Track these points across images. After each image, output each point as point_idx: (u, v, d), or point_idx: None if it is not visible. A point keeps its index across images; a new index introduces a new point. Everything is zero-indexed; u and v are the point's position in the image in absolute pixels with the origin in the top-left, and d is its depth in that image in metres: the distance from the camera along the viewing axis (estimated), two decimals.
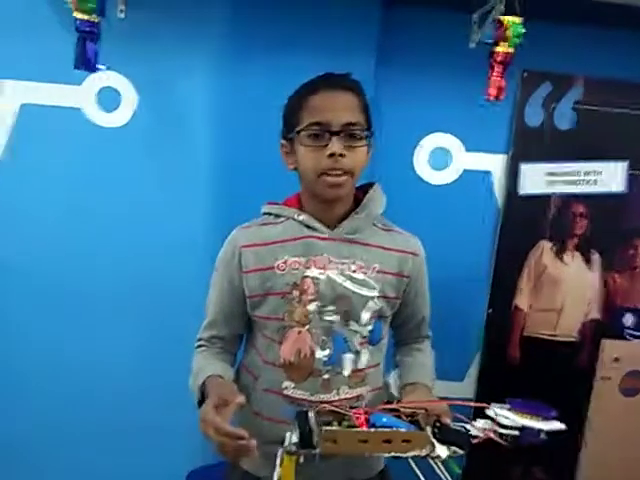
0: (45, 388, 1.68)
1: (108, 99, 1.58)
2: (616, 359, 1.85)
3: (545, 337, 1.83)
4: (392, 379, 1.19)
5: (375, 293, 1.10)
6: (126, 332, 1.68)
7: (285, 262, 1.08)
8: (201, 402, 1.02)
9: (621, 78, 1.71)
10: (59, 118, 1.58)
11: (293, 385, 1.10)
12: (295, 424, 0.87)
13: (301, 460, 0.86)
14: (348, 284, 1.08)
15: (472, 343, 1.84)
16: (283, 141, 1.12)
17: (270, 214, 1.15)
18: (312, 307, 1.08)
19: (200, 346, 1.18)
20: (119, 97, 1.58)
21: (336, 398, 1.09)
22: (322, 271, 1.08)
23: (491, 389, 1.83)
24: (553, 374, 1.84)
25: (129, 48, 1.55)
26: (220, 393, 0.97)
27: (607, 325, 1.84)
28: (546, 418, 0.94)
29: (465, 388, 1.84)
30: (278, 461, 0.86)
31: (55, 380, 1.68)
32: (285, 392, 1.10)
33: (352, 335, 1.10)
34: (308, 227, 1.10)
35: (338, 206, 1.11)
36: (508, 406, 0.96)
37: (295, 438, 0.86)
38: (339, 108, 1.04)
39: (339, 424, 0.87)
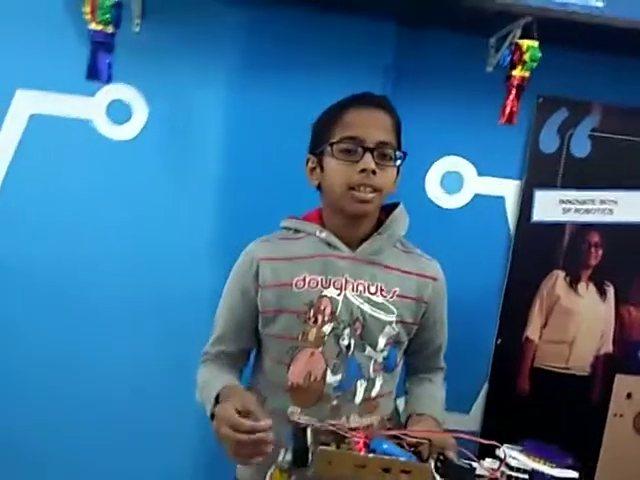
0: (44, 393, 1.65)
1: (119, 111, 1.57)
2: (629, 395, 1.79)
3: (556, 370, 1.78)
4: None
5: (393, 318, 1.07)
6: (134, 342, 1.65)
7: (304, 280, 1.06)
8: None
9: (638, 105, 1.68)
10: (69, 129, 1.57)
11: (299, 410, 1.06)
12: (291, 440, 0.83)
13: (292, 479, 0.82)
14: (366, 307, 1.05)
15: (480, 374, 1.79)
16: (310, 156, 1.11)
17: (290, 229, 1.13)
18: (327, 328, 1.04)
19: (206, 359, 1.15)
20: (130, 110, 1.58)
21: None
22: (340, 292, 1.05)
23: (498, 422, 1.77)
24: (564, 409, 1.78)
25: (142, 61, 1.54)
26: (244, 402, 0.93)
27: (621, 359, 1.79)
28: (559, 465, 0.89)
29: (471, 420, 1.79)
30: (268, 476, 0.82)
31: (55, 386, 1.65)
32: (291, 417, 1.06)
33: (367, 361, 1.06)
34: (329, 245, 1.08)
35: (361, 225, 1.09)
36: (520, 448, 0.91)
37: (289, 455, 0.82)
38: (374, 125, 1.04)
39: (337, 446, 0.82)
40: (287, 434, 0.96)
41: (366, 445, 0.83)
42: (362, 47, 1.56)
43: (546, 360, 1.78)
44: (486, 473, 0.87)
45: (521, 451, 0.91)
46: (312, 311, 1.04)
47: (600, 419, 1.80)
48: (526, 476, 0.89)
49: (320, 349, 1.05)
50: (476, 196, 1.71)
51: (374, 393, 1.07)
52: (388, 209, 1.14)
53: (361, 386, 1.06)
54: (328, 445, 0.81)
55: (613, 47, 1.60)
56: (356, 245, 1.08)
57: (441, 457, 0.85)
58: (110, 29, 1.24)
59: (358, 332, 1.05)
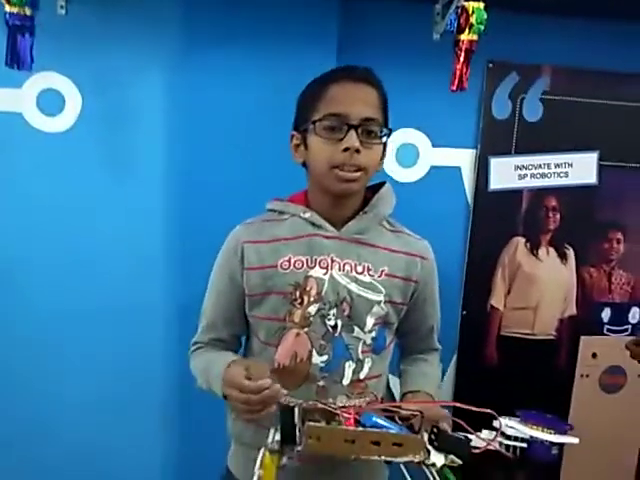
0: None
1: (50, 102, 1.49)
2: (594, 355, 1.81)
3: (522, 336, 1.79)
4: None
5: (381, 297, 1.05)
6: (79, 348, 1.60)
7: (289, 260, 1.03)
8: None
9: (589, 66, 1.68)
10: None
11: (285, 392, 1.02)
12: (278, 419, 0.82)
13: (283, 461, 0.81)
14: (353, 286, 1.03)
15: (448, 345, 1.76)
16: (294, 132, 1.07)
17: (274, 211, 1.10)
18: (313, 309, 1.03)
19: (199, 347, 1.13)
20: (62, 100, 1.49)
21: None
22: (326, 271, 1.03)
23: (469, 392, 1.78)
24: (532, 373, 1.80)
25: (71, 46, 1.47)
26: (255, 368, 0.92)
27: (585, 321, 1.81)
28: (559, 432, 0.88)
29: (443, 392, 1.78)
30: (258, 461, 0.80)
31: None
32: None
33: (355, 342, 1.05)
34: (314, 225, 1.05)
35: (347, 204, 1.06)
36: (518, 418, 0.89)
37: (278, 436, 0.81)
38: (360, 101, 0.99)
39: (327, 423, 0.82)
40: (275, 415, 0.94)
41: (356, 421, 0.82)
42: (305, 19, 1.51)
43: (512, 327, 1.79)
44: (482, 444, 0.85)
45: (518, 421, 0.90)
46: (298, 292, 1.03)
47: (568, 381, 1.83)
48: (524, 444, 0.88)
49: (305, 330, 1.03)
50: (432, 168, 1.69)
51: (362, 375, 1.06)
52: (374, 188, 1.12)
53: (349, 367, 1.04)
54: (317, 422, 0.81)
55: (560, 8, 1.58)
56: (342, 224, 1.06)
57: (435, 429, 0.84)
58: (27, 11, 1.14)
59: (346, 312, 1.03)
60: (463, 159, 1.70)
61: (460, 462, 0.82)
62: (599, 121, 1.71)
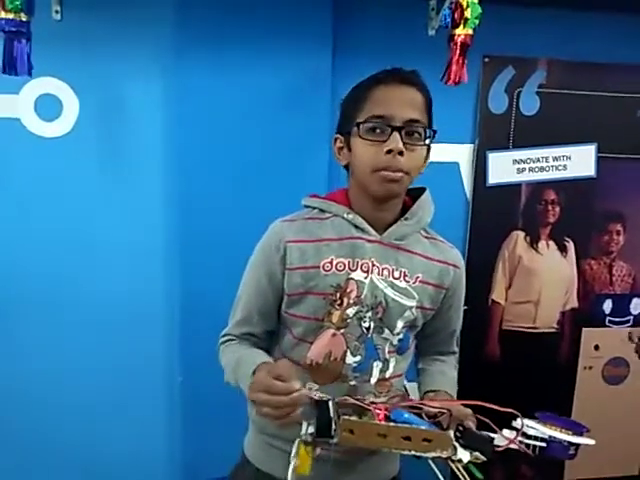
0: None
1: (48, 107, 1.49)
2: (596, 347, 1.82)
3: (524, 330, 1.79)
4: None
5: (414, 303, 1.06)
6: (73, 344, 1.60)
7: (331, 262, 1.03)
8: None
9: (585, 59, 1.68)
10: None
11: (317, 387, 1.03)
12: (313, 413, 0.85)
13: (317, 452, 0.85)
14: (389, 291, 1.04)
15: None
16: (337, 135, 1.07)
17: (314, 208, 1.10)
18: (352, 311, 1.03)
19: (230, 340, 1.12)
20: (59, 105, 1.49)
21: None
22: (367, 275, 1.03)
23: (472, 386, 1.76)
24: (535, 367, 1.80)
25: (67, 51, 1.47)
26: (276, 367, 0.92)
27: (586, 313, 1.81)
28: (577, 433, 0.89)
29: None
30: (294, 451, 0.84)
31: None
32: (309, 393, 1.03)
33: (383, 343, 1.06)
34: (357, 228, 1.05)
35: (388, 208, 1.06)
36: (537, 420, 0.91)
37: (312, 428, 0.84)
38: (404, 103, 0.99)
39: (359, 417, 0.85)
40: (307, 409, 0.95)
41: (387, 417, 0.84)
42: (299, 17, 1.50)
43: (514, 321, 1.79)
44: (504, 442, 0.88)
45: (537, 421, 0.91)
46: (338, 294, 1.03)
47: (570, 373, 1.83)
48: (544, 444, 0.89)
49: (342, 331, 1.04)
50: (430, 164, 1.68)
51: (388, 374, 1.07)
52: (413, 194, 1.12)
53: (376, 367, 1.06)
54: (350, 415, 0.83)
55: (555, 1, 1.58)
56: (382, 229, 1.06)
57: (460, 427, 0.86)
58: (23, 17, 1.14)
59: (379, 315, 1.04)
60: (461, 154, 1.70)
61: (484, 459, 0.85)
62: (596, 113, 1.71)
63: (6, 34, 1.16)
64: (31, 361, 1.59)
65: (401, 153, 0.97)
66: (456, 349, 1.23)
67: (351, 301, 1.03)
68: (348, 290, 1.03)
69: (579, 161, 1.72)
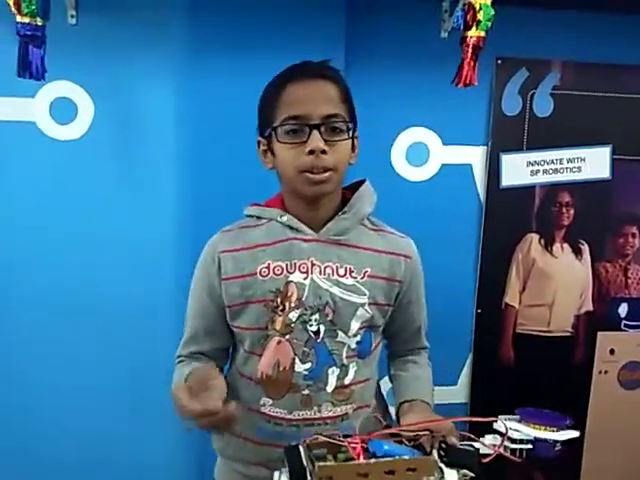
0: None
1: (63, 111, 1.50)
2: (612, 351, 1.79)
3: (538, 333, 1.77)
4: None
5: (365, 300, 1.01)
6: (85, 349, 1.60)
7: (268, 267, 1.00)
8: None
9: (599, 60, 1.67)
10: (12, 134, 1.49)
11: (271, 402, 1.01)
12: (284, 462, 0.77)
13: None
14: (335, 290, 0.99)
15: (463, 345, 1.77)
16: (260, 138, 1.04)
17: (252, 217, 1.07)
18: (294, 315, 0.99)
19: (180, 362, 1.10)
20: (74, 108, 1.50)
21: (317, 416, 1.00)
22: (306, 276, 0.99)
23: (486, 391, 1.77)
24: (549, 371, 1.78)
25: (82, 55, 1.47)
26: (198, 375, 0.90)
27: (601, 317, 1.79)
28: (560, 427, 0.86)
29: (459, 392, 1.78)
30: None
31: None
32: (262, 409, 1.02)
33: (339, 347, 1.01)
34: (291, 229, 1.01)
35: (323, 206, 1.02)
36: (518, 417, 0.87)
37: (285, 478, 0.76)
38: (318, 99, 0.95)
39: (334, 457, 0.77)
40: (263, 431, 0.94)
41: (364, 449, 0.77)
42: (311, 19, 1.50)
43: (528, 325, 1.77)
44: (490, 451, 0.82)
45: (519, 421, 0.88)
46: (279, 299, 0.99)
47: (586, 378, 1.81)
48: (530, 446, 0.86)
49: (287, 337, 0.99)
50: (443, 166, 1.68)
51: (347, 381, 1.02)
52: (354, 187, 1.08)
53: (332, 374, 1.01)
54: (324, 458, 0.76)
55: (568, 2, 1.57)
56: (320, 227, 1.02)
57: (443, 444, 0.81)
58: (39, 21, 1.16)
59: (329, 317, 0.99)
60: (474, 156, 1.69)
61: (472, 475, 0.79)
62: (611, 115, 1.69)
63: (22, 38, 1.17)
64: (47, 360, 1.59)
65: (324, 152, 0.93)
66: (426, 343, 1.18)
67: (292, 305, 0.99)
68: (288, 294, 0.99)
69: (594, 163, 1.71)
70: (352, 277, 1.00)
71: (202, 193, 1.53)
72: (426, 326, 1.17)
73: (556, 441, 0.86)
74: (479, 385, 1.78)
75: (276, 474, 0.79)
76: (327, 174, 0.95)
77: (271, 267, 0.99)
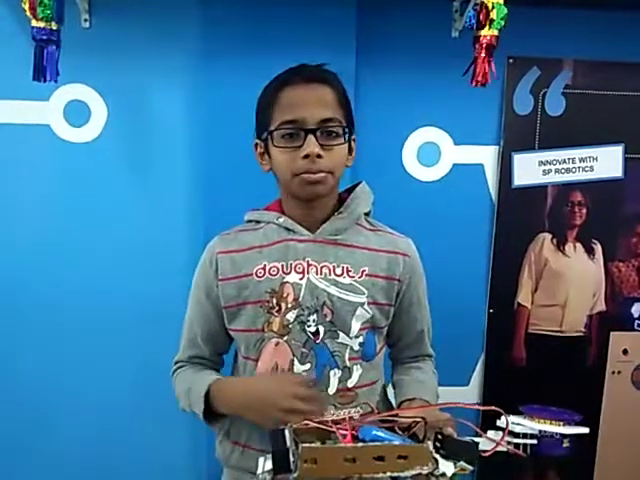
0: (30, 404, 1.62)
1: (76, 113, 1.52)
2: (625, 351, 1.78)
3: (551, 333, 1.76)
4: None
5: (363, 299, 1.00)
6: (105, 352, 1.62)
7: (263, 268, 1.00)
8: (207, 411, 0.98)
9: (611, 59, 1.65)
10: (27, 137, 1.52)
11: None
12: (269, 444, 0.74)
13: None
14: (332, 290, 0.99)
15: (475, 345, 1.77)
16: (257, 141, 1.04)
17: (251, 221, 1.08)
18: (292, 316, 0.99)
19: (180, 367, 1.10)
20: (88, 111, 1.52)
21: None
22: (302, 276, 0.99)
23: (498, 391, 1.76)
24: (562, 371, 1.77)
25: (96, 59, 1.50)
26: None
27: (614, 317, 1.78)
28: (568, 423, 0.82)
29: (471, 392, 1.78)
30: None
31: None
32: None
33: (341, 348, 1.00)
34: (288, 230, 1.02)
35: (320, 208, 1.03)
36: (522, 415, 0.85)
37: (269, 464, 0.73)
38: (314, 103, 0.96)
39: (323, 443, 0.74)
40: (261, 437, 0.92)
41: (354, 437, 0.75)
42: (323, 19, 1.50)
43: (540, 325, 1.76)
44: (491, 445, 0.79)
45: (524, 416, 0.85)
46: (275, 299, 0.99)
47: (599, 378, 1.79)
48: (534, 441, 0.83)
49: (285, 338, 0.99)
50: (455, 166, 1.68)
51: (351, 383, 1.01)
52: (352, 189, 1.08)
53: (334, 376, 1.00)
54: (311, 443, 0.72)
55: (579, 1, 1.57)
56: (317, 228, 1.03)
57: (439, 436, 0.76)
58: (54, 25, 1.17)
59: (328, 318, 0.99)
60: (486, 156, 1.68)
61: (471, 468, 0.75)
62: (623, 114, 1.68)
63: (37, 42, 1.18)
64: (60, 360, 1.61)
65: (319, 156, 0.94)
66: (431, 351, 1.16)
67: (289, 305, 0.98)
68: (284, 294, 0.99)
69: (606, 162, 1.70)
70: (350, 276, 1.00)
71: (214, 195, 1.54)
72: (430, 332, 1.15)
73: (563, 436, 0.83)
74: (491, 385, 1.77)
75: (261, 460, 0.77)
76: (322, 175, 0.96)
77: (267, 268, 1.00)
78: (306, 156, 0.94)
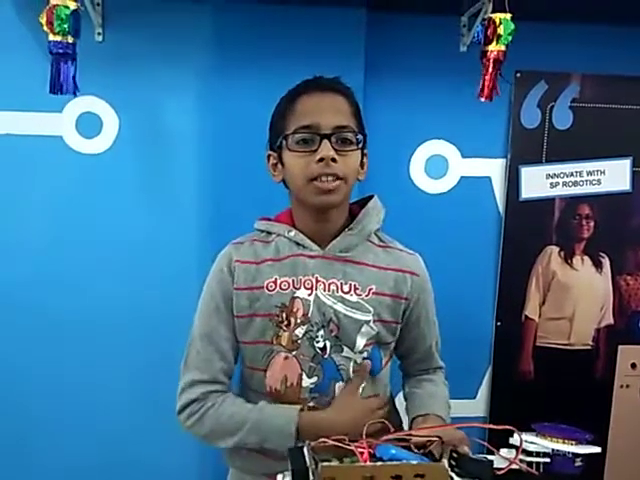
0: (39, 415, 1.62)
1: (89, 125, 1.54)
2: (633, 365, 1.77)
3: (558, 347, 1.76)
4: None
5: (369, 317, 1.01)
6: (110, 360, 1.62)
7: (275, 282, 1.01)
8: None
9: (618, 73, 1.66)
10: (40, 148, 1.54)
11: None
12: (288, 463, 0.75)
13: None
14: (339, 307, 1.00)
15: (482, 358, 1.76)
16: (270, 152, 1.05)
17: (262, 231, 1.08)
18: (301, 331, 1.00)
19: (210, 392, 1.02)
20: (100, 122, 1.54)
21: None
22: (310, 292, 1.00)
23: (505, 405, 1.75)
24: (570, 385, 1.76)
25: (108, 71, 1.51)
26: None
27: (622, 330, 1.77)
28: (580, 442, 0.84)
29: (478, 405, 1.77)
30: None
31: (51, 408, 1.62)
32: None
33: (346, 362, 1.01)
34: (298, 245, 1.03)
35: (331, 219, 1.03)
36: (534, 433, 0.85)
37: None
38: (329, 110, 0.98)
39: (340, 461, 0.76)
40: (285, 468, 0.90)
41: (371, 455, 0.76)
42: (332, 33, 1.52)
43: (548, 338, 1.76)
44: (504, 464, 0.80)
45: (536, 434, 0.86)
46: (284, 314, 1.00)
47: (607, 392, 1.79)
48: (547, 459, 0.84)
49: (294, 353, 1.00)
50: (462, 179, 1.68)
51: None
52: (363, 202, 1.08)
53: (339, 388, 1.01)
54: (329, 461, 0.74)
55: (587, 16, 1.58)
56: (327, 243, 1.03)
57: (454, 454, 0.79)
58: (70, 39, 1.19)
59: (334, 333, 1.00)
60: (493, 169, 1.69)
61: None
62: (631, 127, 1.69)
63: (54, 56, 1.21)
64: (69, 363, 1.62)
65: (334, 160, 0.95)
66: (441, 363, 1.17)
67: (298, 321, 0.99)
68: (294, 310, 0.99)
69: (614, 175, 1.70)
70: (357, 294, 1.01)
71: (225, 207, 1.55)
72: (439, 345, 1.16)
73: (575, 455, 0.83)
74: (498, 398, 1.77)
75: (279, 477, 0.79)
76: (336, 183, 0.96)
77: (278, 282, 1.01)
78: (321, 160, 0.94)
